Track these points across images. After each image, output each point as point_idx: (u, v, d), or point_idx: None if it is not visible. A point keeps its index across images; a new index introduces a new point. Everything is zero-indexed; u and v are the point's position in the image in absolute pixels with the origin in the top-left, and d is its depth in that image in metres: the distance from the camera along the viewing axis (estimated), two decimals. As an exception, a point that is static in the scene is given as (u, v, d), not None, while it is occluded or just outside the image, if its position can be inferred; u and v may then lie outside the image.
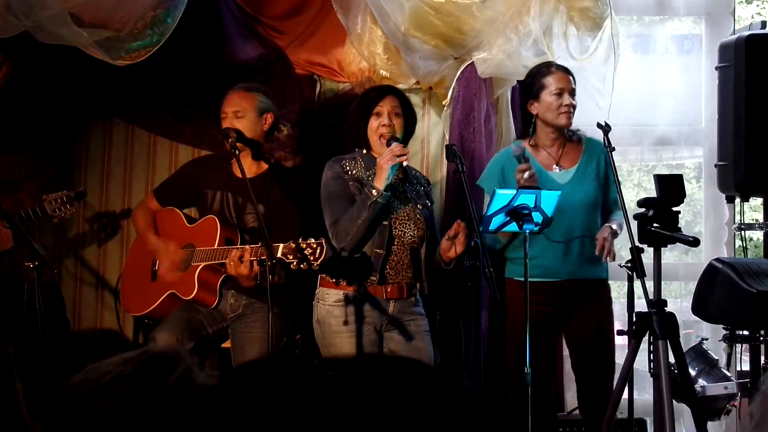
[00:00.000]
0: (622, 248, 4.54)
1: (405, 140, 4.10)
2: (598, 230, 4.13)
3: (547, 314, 4.16)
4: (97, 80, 4.64)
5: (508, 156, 4.19)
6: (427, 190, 4.25)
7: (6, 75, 4.50)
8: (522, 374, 3.80)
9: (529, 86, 4.28)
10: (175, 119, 4.88)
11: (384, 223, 3.98)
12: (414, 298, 4.10)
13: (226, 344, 4.28)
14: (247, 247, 3.94)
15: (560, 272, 4.17)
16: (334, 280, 3.98)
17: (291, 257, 3.71)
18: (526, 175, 3.97)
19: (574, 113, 4.23)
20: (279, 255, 3.73)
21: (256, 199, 3.97)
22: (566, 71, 4.27)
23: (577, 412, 4.51)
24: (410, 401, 1.02)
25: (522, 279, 4.02)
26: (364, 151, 4.11)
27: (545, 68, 4.27)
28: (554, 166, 4.25)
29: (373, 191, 3.89)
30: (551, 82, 4.20)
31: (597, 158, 4.26)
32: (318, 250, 3.69)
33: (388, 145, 3.96)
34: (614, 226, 4.10)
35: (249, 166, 4.16)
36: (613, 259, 4.10)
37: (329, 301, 4.02)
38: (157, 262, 4.29)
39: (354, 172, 4.05)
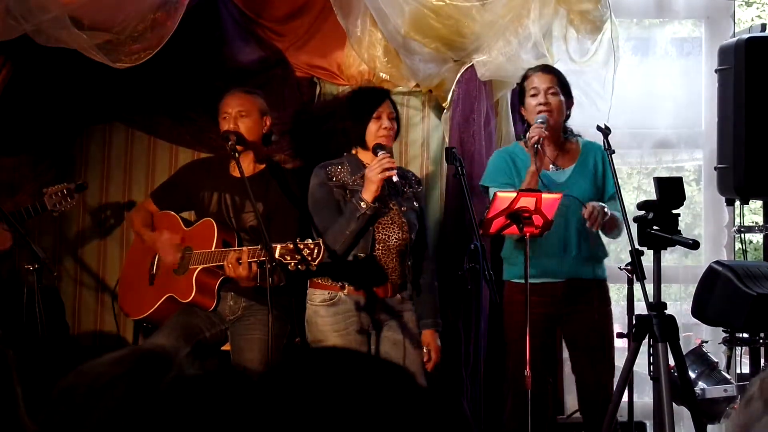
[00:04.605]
0: (622, 251, 4.54)
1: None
2: (595, 230, 4.13)
3: (546, 316, 4.16)
4: (96, 83, 4.64)
5: (513, 149, 4.29)
6: (416, 191, 4.24)
7: (6, 78, 4.50)
8: (521, 378, 3.80)
9: (520, 93, 4.33)
10: (175, 122, 4.88)
11: (369, 228, 4.01)
12: (401, 296, 4.13)
13: (226, 347, 4.27)
14: (245, 248, 3.94)
15: (558, 272, 4.17)
16: (339, 284, 4.03)
17: (289, 258, 3.71)
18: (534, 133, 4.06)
19: (555, 113, 4.18)
20: (276, 256, 3.73)
21: (255, 197, 3.98)
22: (544, 70, 4.26)
23: (576, 415, 4.50)
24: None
25: (520, 281, 4.07)
26: (353, 152, 4.12)
27: (527, 73, 4.30)
28: (551, 165, 4.25)
29: (362, 204, 3.91)
30: (528, 85, 4.24)
31: (594, 158, 4.25)
32: (315, 251, 3.69)
33: (375, 153, 3.97)
34: (606, 208, 4.07)
35: (247, 166, 4.16)
36: (596, 228, 4.06)
37: (316, 301, 4.06)
38: (156, 255, 4.28)
39: (338, 178, 4.06)
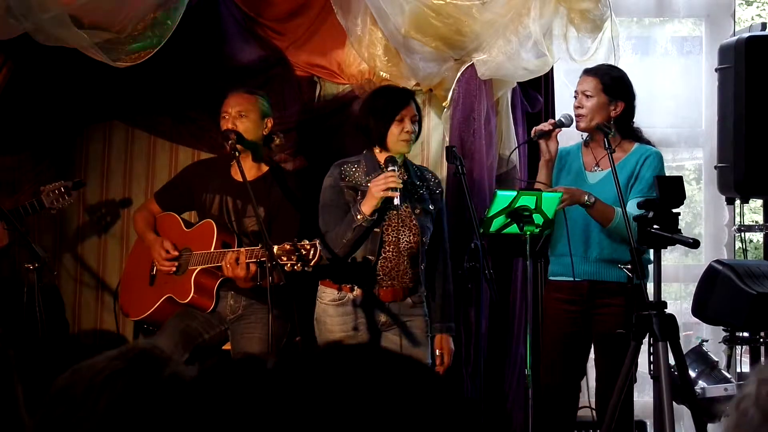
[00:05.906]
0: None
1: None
2: (620, 234, 4.07)
3: (572, 313, 4.18)
4: (96, 82, 4.64)
5: (569, 148, 4.33)
6: (433, 192, 4.17)
7: (6, 77, 4.50)
8: (547, 374, 3.96)
9: None
10: (175, 121, 4.88)
11: (375, 230, 3.97)
12: (412, 300, 4.08)
13: (227, 346, 4.27)
14: (243, 249, 3.94)
15: (581, 272, 4.16)
16: (349, 285, 4.01)
17: (285, 258, 3.71)
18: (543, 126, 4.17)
19: (589, 116, 4.15)
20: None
21: (257, 201, 3.97)
22: (587, 72, 4.26)
23: (581, 412, 4.51)
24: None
25: (555, 278, 4.25)
26: (377, 150, 4.05)
27: None
28: (594, 166, 4.25)
29: (358, 216, 3.88)
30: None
31: (636, 161, 4.17)
32: (312, 251, 3.69)
33: (385, 166, 3.93)
34: (589, 194, 4.03)
35: (249, 169, 4.16)
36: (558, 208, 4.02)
37: (325, 299, 4.05)
38: (154, 260, 4.28)
39: (352, 178, 4.02)
